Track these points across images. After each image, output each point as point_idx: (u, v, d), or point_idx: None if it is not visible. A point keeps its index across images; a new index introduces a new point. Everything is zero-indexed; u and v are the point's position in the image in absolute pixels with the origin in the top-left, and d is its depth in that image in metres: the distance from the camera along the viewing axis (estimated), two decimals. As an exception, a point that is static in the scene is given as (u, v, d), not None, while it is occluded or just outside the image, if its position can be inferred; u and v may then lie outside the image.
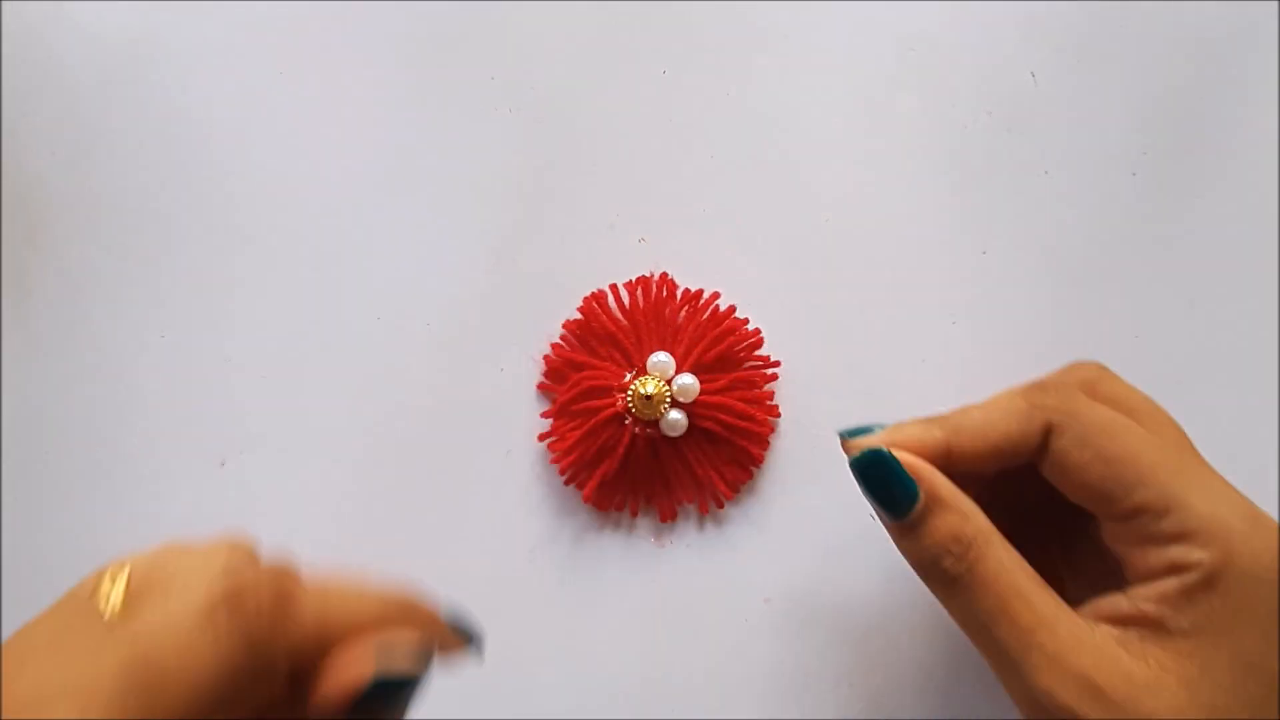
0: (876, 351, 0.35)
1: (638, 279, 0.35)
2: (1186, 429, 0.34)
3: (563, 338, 0.35)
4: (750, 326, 0.35)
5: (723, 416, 0.33)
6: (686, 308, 0.34)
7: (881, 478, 0.26)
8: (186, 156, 0.37)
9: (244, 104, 0.37)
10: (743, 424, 0.33)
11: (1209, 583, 0.23)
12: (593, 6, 0.37)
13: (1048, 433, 0.26)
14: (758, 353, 0.35)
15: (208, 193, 0.36)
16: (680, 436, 0.33)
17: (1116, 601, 0.25)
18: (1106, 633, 0.24)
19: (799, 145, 0.36)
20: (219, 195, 0.36)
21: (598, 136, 0.36)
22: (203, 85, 0.37)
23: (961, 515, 0.25)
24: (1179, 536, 0.24)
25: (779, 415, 0.34)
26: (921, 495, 0.25)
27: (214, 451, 0.35)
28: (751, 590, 0.33)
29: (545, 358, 0.35)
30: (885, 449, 0.26)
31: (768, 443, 0.34)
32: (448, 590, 0.29)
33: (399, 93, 0.37)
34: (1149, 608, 0.24)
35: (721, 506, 0.34)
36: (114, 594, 0.22)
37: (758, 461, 0.34)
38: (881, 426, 0.27)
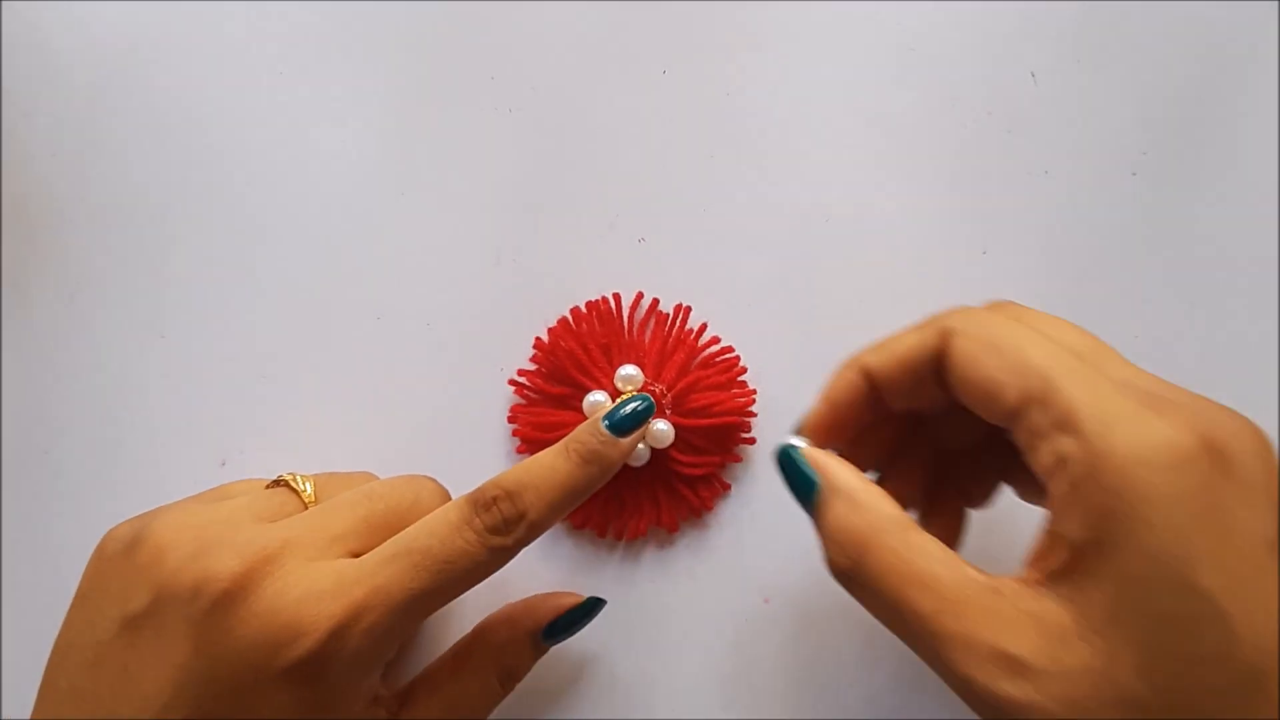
0: (876, 351, 0.35)
1: (587, 305, 0.35)
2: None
3: (527, 380, 0.34)
4: (729, 327, 0.35)
5: (703, 402, 0.33)
6: (648, 322, 0.35)
7: (789, 472, 0.26)
8: (187, 157, 0.37)
9: (244, 104, 0.37)
10: (726, 419, 0.33)
11: (1092, 472, 0.20)
12: (593, 6, 0.37)
13: (947, 338, 0.25)
14: (732, 362, 0.34)
15: (208, 193, 0.36)
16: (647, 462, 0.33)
17: (1039, 539, 0.22)
18: (1018, 588, 0.21)
19: (799, 145, 0.36)
20: (219, 195, 0.36)
21: (598, 136, 0.36)
22: (203, 85, 0.37)
23: (852, 504, 0.24)
24: (1058, 424, 0.21)
25: (754, 399, 0.34)
26: (820, 485, 0.25)
27: (214, 451, 0.35)
28: (751, 590, 0.33)
29: (515, 431, 0.34)
30: (790, 446, 0.26)
31: (749, 426, 0.34)
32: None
33: (399, 93, 0.37)
34: (1050, 524, 0.22)
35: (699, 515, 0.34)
36: (307, 487, 0.29)
37: (748, 437, 0.34)
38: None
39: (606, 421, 0.29)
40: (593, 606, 0.31)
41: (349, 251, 0.36)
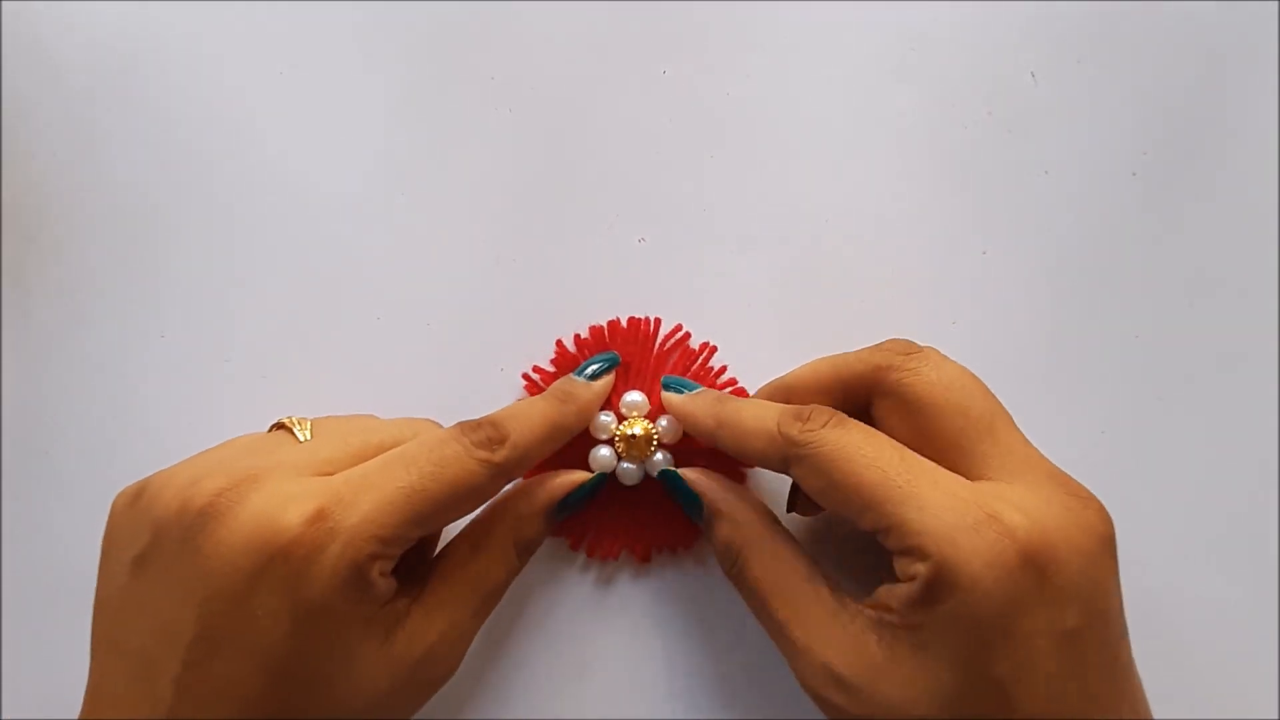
0: (876, 351, 0.35)
1: (629, 320, 0.35)
2: (1186, 429, 0.35)
3: (540, 379, 0.34)
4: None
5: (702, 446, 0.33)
6: (651, 346, 0.35)
7: (676, 491, 0.32)
8: (186, 156, 0.37)
9: (244, 104, 0.37)
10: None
11: (929, 591, 0.25)
12: (593, 6, 0.37)
13: (789, 461, 0.28)
14: (725, 378, 0.35)
15: (208, 193, 0.36)
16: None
17: (886, 590, 0.27)
18: (867, 619, 0.27)
19: (799, 145, 0.36)
20: (219, 195, 0.36)
21: (597, 136, 0.36)
22: (203, 85, 0.37)
23: (734, 524, 0.30)
24: (903, 551, 0.26)
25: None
26: (705, 507, 0.31)
27: (214, 451, 0.35)
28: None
29: None
30: (674, 471, 0.32)
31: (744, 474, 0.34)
32: (448, 590, 0.29)
33: (399, 93, 0.37)
34: (894, 604, 0.26)
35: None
36: (306, 430, 0.30)
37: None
38: (692, 388, 0.32)
39: (577, 373, 0.33)
40: (599, 482, 0.32)
41: (348, 251, 0.36)
